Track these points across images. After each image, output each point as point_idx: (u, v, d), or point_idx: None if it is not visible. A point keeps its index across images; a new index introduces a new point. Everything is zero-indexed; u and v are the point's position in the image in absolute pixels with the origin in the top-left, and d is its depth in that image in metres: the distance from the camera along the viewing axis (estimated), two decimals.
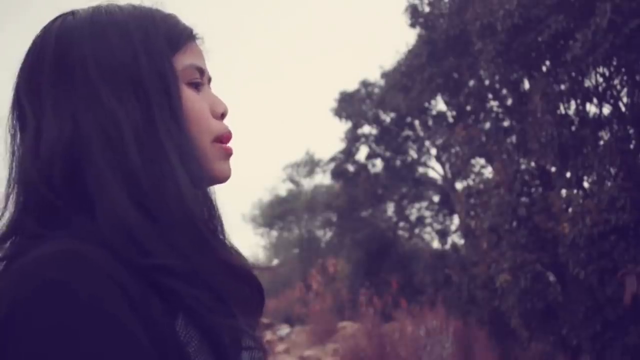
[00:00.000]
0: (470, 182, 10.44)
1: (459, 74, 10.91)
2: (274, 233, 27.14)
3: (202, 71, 0.84)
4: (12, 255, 0.72)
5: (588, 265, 6.52)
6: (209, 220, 0.83)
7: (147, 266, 0.70)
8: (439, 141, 13.74)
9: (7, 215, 0.77)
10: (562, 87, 7.43)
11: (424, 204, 16.39)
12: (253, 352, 0.79)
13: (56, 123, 0.75)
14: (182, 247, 0.73)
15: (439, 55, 11.05)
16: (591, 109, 7.60)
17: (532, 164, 7.93)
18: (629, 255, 6.30)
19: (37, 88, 0.78)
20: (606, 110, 7.52)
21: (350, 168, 16.48)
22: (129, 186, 0.73)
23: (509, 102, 9.56)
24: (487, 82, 9.76)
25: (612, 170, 6.88)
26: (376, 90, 16.18)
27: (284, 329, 14.91)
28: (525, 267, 7.21)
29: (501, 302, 7.87)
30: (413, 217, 16.51)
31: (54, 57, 0.78)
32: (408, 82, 12.16)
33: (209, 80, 0.87)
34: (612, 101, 7.42)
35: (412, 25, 11.87)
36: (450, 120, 12.89)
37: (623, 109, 7.37)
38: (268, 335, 13.22)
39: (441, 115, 13.69)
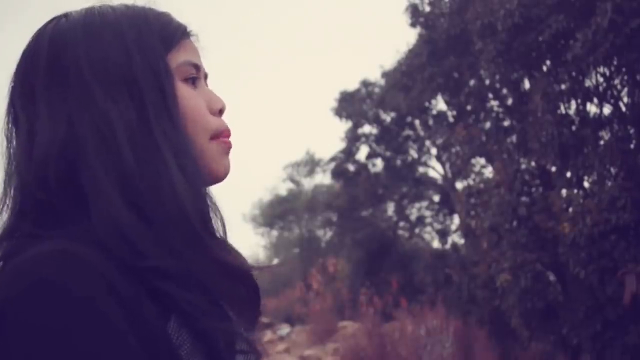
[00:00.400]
0: (471, 182, 10.43)
1: (460, 73, 10.91)
2: (274, 233, 27.15)
3: (197, 67, 0.84)
4: (7, 254, 0.72)
5: (588, 264, 6.53)
6: (208, 221, 0.82)
7: (141, 268, 0.70)
8: (440, 141, 13.73)
9: (4, 217, 0.77)
10: (563, 86, 7.43)
11: (424, 203, 16.37)
12: (248, 355, 0.78)
13: (50, 125, 0.75)
14: (176, 246, 0.73)
15: (439, 55, 11.05)
16: (592, 108, 7.61)
17: (533, 163, 7.93)
18: (629, 254, 6.30)
19: (30, 91, 0.77)
20: (607, 110, 7.53)
21: (351, 168, 16.47)
22: (123, 186, 0.73)
23: (510, 101, 9.55)
24: (487, 82, 9.76)
25: (613, 170, 6.88)
26: (376, 89, 16.18)
27: (284, 329, 14.92)
28: (525, 266, 7.21)
29: (501, 302, 7.88)
30: (413, 217, 16.50)
31: (47, 60, 0.77)
32: (408, 81, 12.16)
33: (206, 76, 0.87)
34: (612, 101, 7.42)
35: (413, 24, 11.88)
36: (451, 119, 12.88)
37: (623, 108, 7.37)
38: (268, 335, 13.23)
39: (441, 115, 13.69)
